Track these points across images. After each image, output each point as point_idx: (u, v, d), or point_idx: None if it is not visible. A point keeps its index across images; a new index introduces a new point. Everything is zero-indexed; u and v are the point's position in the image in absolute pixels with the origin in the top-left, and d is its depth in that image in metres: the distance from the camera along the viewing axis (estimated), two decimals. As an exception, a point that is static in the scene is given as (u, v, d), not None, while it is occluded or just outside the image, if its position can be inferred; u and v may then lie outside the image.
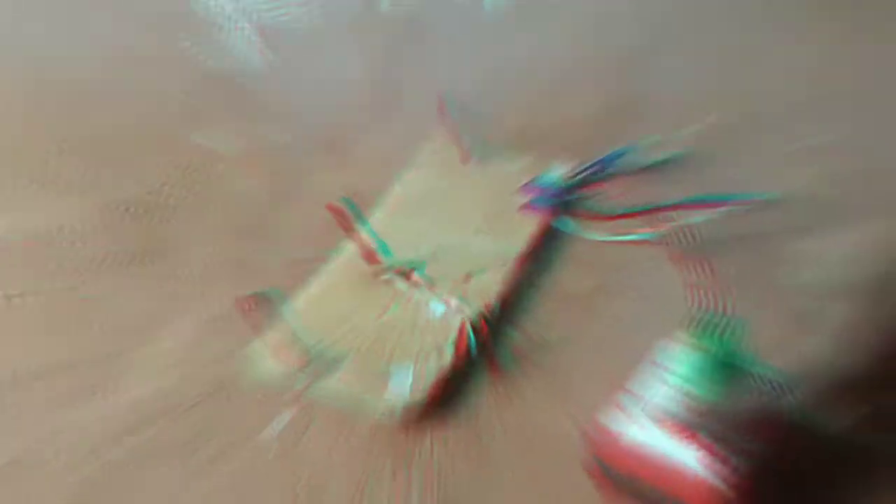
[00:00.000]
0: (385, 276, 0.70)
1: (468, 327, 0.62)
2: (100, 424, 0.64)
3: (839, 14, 0.92)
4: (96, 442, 0.61)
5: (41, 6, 1.15)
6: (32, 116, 0.94)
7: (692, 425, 0.54)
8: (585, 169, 0.77)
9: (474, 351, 0.62)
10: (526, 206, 0.74)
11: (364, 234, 0.69)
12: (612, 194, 0.75)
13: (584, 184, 0.76)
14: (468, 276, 0.69)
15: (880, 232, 0.67)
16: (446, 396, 0.62)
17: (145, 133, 0.90)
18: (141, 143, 0.87)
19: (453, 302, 0.67)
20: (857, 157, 0.74)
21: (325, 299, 0.70)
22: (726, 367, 0.55)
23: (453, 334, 0.66)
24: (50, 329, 0.69)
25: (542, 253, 0.72)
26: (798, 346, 0.66)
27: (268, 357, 0.66)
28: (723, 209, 0.72)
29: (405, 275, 0.69)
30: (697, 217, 0.72)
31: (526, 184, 0.76)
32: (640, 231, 0.73)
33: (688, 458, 0.53)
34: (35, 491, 0.59)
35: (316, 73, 0.96)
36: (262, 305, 0.62)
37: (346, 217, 0.68)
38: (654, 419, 0.55)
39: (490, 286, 0.68)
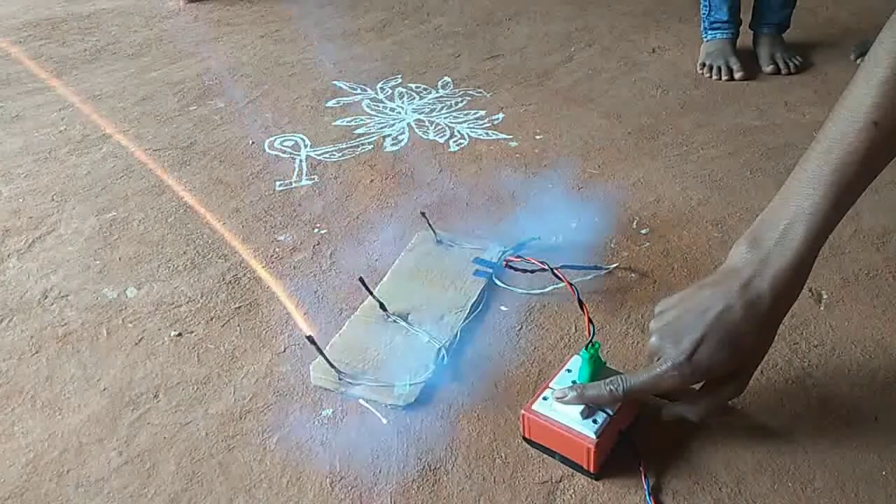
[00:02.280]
0: (391, 319, 0.94)
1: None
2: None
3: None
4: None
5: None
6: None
7: (584, 405, 0.71)
8: (509, 251, 1.05)
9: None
10: (476, 272, 1.01)
11: (377, 294, 0.95)
12: (525, 265, 0.96)
13: (509, 258, 1.00)
14: (441, 317, 0.93)
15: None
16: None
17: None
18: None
19: (430, 335, 0.90)
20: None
21: (353, 335, 0.92)
22: (601, 371, 0.75)
23: (433, 354, 0.86)
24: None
25: (484, 304, 0.96)
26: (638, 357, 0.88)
27: (320, 372, 0.85)
28: (592, 274, 1.00)
29: (403, 318, 0.93)
30: (579, 277, 0.98)
31: (476, 259, 1.04)
32: (546, 286, 0.96)
33: (575, 426, 0.71)
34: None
35: (342, 189, 1.27)
36: (315, 341, 0.83)
37: (366, 284, 0.93)
38: (559, 402, 0.72)
39: (454, 323, 0.92)
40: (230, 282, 1.05)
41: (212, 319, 0.98)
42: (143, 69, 1.88)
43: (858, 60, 1.65)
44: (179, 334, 0.95)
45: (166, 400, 0.85)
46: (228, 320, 0.97)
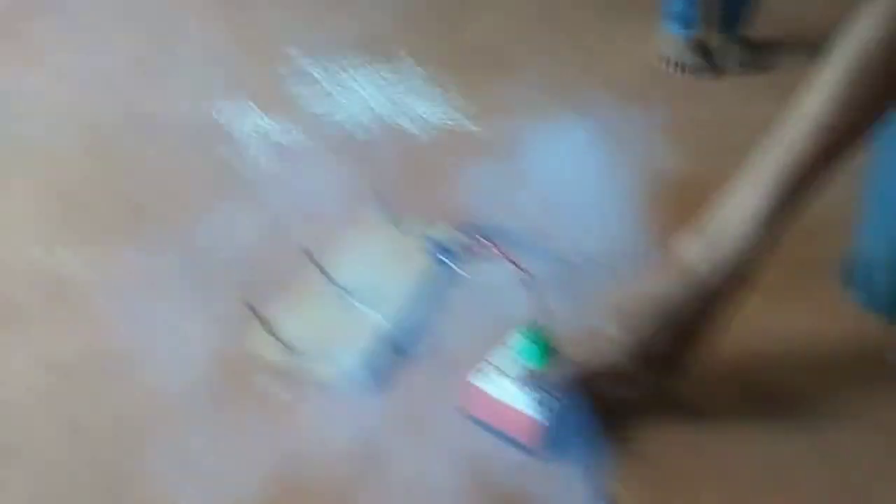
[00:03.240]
0: (337, 294, 0.93)
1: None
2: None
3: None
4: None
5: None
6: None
7: (522, 381, 0.72)
8: (462, 234, 1.05)
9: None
10: (427, 251, 1.01)
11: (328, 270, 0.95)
12: (478, 248, 0.98)
13: (462, 242, 1.03)
14: (388, 293, 0.93)
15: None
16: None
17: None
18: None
19: (379, 312, 0.91)
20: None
21: (297, 308, 0.91)
22: (541, 349, 0.74)
23: (379, 330, 0.87)
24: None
25: (437, 280, 0.98)
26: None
27: (261, 344, 0.84)
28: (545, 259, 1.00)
29: (349, 292, 0.93)
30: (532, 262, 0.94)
31: (425, 241, 1.03)
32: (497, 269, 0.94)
33: (518, 402, 0.72)
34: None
35: (289, 161, 1.26)
36: (262, 314, 0.83)
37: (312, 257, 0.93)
38: (500, 377, 0.73)
39: (402, 299, 0.92)
40: (177, 257, 1.02)
41: (157, 295, 0.96)
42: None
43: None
44: (123, 307, 0.93)
45: (109, 377, 0.83)
46: (173, 296, 0.95)
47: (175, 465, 0.73)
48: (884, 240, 0.87)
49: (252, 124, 1.41)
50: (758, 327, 0.90)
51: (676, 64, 1.67)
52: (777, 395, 0.82)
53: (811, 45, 1.77)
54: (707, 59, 1.68)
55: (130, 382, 0.83)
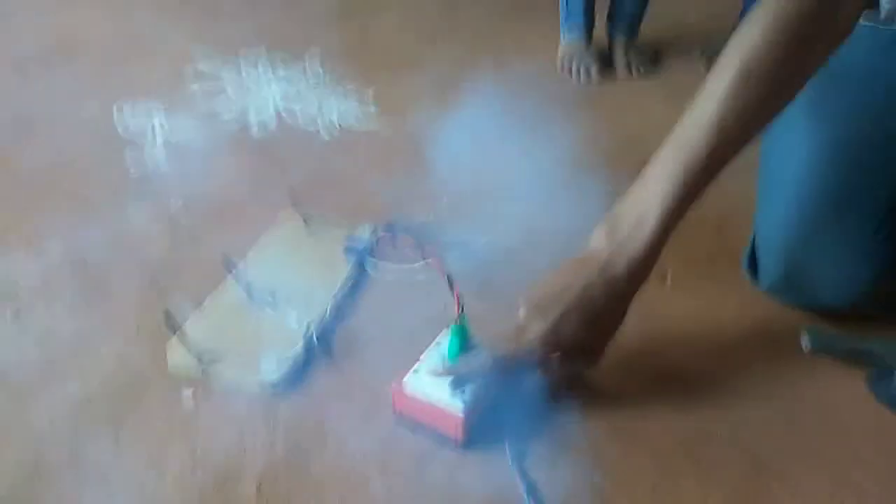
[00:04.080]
0: (256, 298, 0.91)
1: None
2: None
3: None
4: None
5: None
6: None
7: (442, 376, 0.73)
8: (377, 231, 1.05)
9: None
10: (346, 251, 1.00)
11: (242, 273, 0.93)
12: (394, 244, 1.01)
13: (377, 239, 1.03)
14: (309, 296, 0.91)
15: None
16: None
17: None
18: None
19: (297, 314, 0.89)
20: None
21: (214, 314, 0.89)
22: (462, 343, 0.76)
23: (301, 333, 0.85)
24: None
25: (355, 281, 0.97)
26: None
27: (177, 353, 0.82)
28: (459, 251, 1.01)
29: (269, 296, 0.91)
30: (447, 255, 1.00)
31: (341, 240, 1.02)
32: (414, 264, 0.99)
33: (444, 399, 0.73)
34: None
35: (200, 166, 1.22)
36: (172, 318, 0.82)
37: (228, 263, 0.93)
38: (424, 375, 0.74)
39: (323, 301, 0.90)
40: (75, 261, 0.97)
41: (54, 300, 0.91)
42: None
43: (703, 59, 1.78)
44: (17, 314, 0.88)
45: (4, 386, 0.79)
46: (83, 304, 0.91)
47: (83, 475, 0.71)
48: (774, 224, 0.94)
49: (155, 125, 1.35)
50: (669, 314, 0.95)
51: (575, 69, 1.73)
52: (688, 377, 0.86)
53: (695, 46, 1.88)
54: (602, 65, 1.75)
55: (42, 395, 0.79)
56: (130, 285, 0.95)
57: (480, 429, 0.75)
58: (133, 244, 1.02)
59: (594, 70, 1.72)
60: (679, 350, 0.90)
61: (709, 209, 1.09)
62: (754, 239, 0.98)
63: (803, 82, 0.72)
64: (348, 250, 1.01)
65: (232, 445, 0.74)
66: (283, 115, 1.44)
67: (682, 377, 0.86)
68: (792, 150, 0.91)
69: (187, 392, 0.80)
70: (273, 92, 1.54)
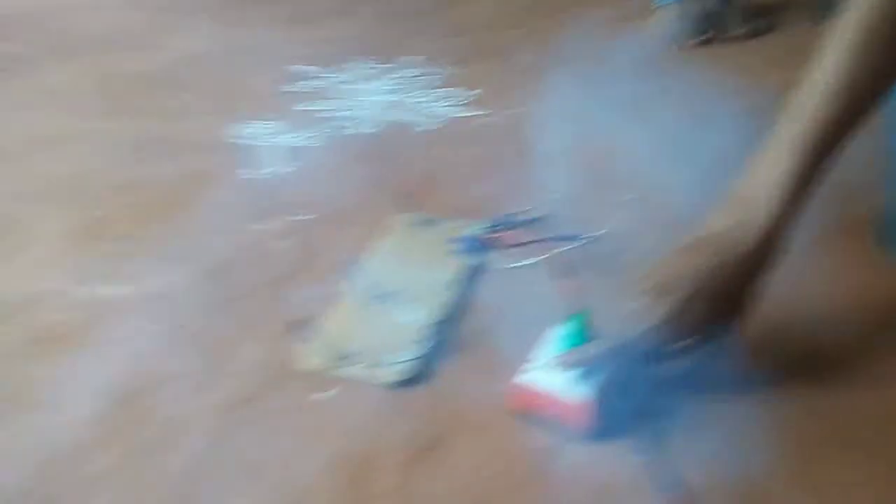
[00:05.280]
0: (376, 300, 0.94)
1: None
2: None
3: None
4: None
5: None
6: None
7: (560, 366, 0.72)
8: (490, 227, 1.06)
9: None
10: (455, 252, 1.02)
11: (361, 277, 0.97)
12: (507, 240, 1.02)
13: (490, 235, 1.04)
14: (426, 295, 0.94)
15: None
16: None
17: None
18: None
19: (420, 312, 0.91)
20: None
21: (339, 318, 0.92)
22: (581, 334, 0.74)
23: (422, 332, 0.88)
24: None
25: (471, 277, 0.98)
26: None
27: (311, 355, 0.86)
28: (575, 243, 1.02)
29: (388, 298, 0.94)
30: (562, 248, 1.01)
31: (454, 238, 1.04)
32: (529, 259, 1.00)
33: (566, 390, 0.73)
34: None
35: (314, 175, 1.26)
36: (303, 325, 0.87)
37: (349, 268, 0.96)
38: (542, 369, 0.74)
39: (440, 300, 0.93)
40: (208, 270, 1.03)
41: (202, 310, 0.96)
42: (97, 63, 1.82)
43: (819, 17, 1.67)
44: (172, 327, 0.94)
45: (166, 393, 0.84)
46: (219, 310, 0.96)
47: (231, 470, 0.75)
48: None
49: (268, 135, 1.41)
50: (803, 292, 0.90)
51: (673, 38, 1.65)
52: (829, 354, 0.82)
53: (807, 6, 1.76)
54: (706, 29, 1.66)
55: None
56: (259, 291, 0.99)
57: (609, 418, 0.74)
58: (259, 251, 1.07)
59: (696, 37, 1.64)
60: (813, 327, 0.86)
61: (832, 178, 1.03)
62: (885, 208, 0.92)
63: None
64: (463, 247, 1.02)
65: (368, 442, 0.76)
66: (389, 114, 1.47)
67: (823, 355, 0.82)
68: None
69: (323, 391, 0.83)
70: (378, 92, 1.58)
